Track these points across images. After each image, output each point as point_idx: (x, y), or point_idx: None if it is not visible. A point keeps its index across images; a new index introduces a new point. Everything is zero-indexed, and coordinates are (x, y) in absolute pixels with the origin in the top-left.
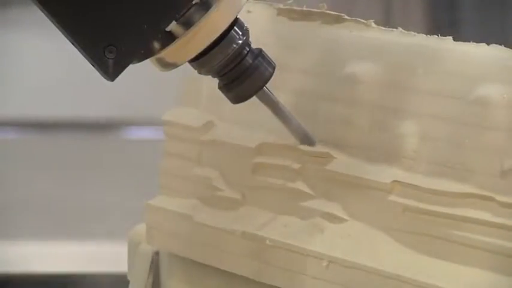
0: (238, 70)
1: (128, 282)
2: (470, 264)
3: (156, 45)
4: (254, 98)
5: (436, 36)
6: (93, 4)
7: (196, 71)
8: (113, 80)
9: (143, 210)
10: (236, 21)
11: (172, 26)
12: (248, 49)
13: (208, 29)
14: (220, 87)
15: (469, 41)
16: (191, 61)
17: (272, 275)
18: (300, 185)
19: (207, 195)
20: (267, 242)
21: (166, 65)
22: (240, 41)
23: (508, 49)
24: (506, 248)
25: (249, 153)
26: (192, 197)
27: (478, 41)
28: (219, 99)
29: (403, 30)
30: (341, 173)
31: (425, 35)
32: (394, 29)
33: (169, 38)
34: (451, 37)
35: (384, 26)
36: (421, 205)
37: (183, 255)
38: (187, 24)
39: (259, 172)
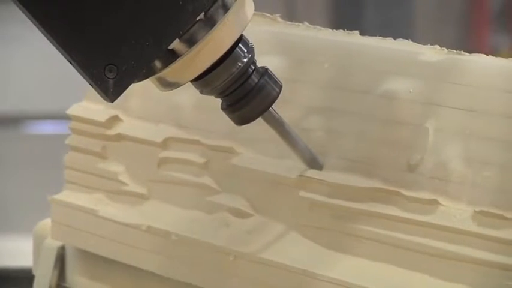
0: (243, 90)
1: (33, 277)
2: (379, 260)
3: (158, 64)
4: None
5: (342, 30)
6: (93, 21)
7: (198, 90)
8: (112, 101)
9: (48, 204)
10: (241, 38)
11: (175, 44)
12: (253, 68)
13: (212, 46)
14: (223, 108)
15: (375, 35)
16: (194, 80)
17: (178, 269)
18: (206, 180)
19: (113, 190)
20: (173, 237)
21: (168, 85)
22: (245, 59)
23: (414, 43)
24: (413, 242)
25: (154, 147)
26: (98, 192)
27: (382, 35)
28: (125, 94)
29: (309, 25)
30: (245, 167)
31: (331, 30)
32: (300, 24)
33: (172, 56)
34: (357, 31)
35: (289, 21)
36: (328, 200)
37: (88, 250)
38: (191, 42)
39: (164, 167)
